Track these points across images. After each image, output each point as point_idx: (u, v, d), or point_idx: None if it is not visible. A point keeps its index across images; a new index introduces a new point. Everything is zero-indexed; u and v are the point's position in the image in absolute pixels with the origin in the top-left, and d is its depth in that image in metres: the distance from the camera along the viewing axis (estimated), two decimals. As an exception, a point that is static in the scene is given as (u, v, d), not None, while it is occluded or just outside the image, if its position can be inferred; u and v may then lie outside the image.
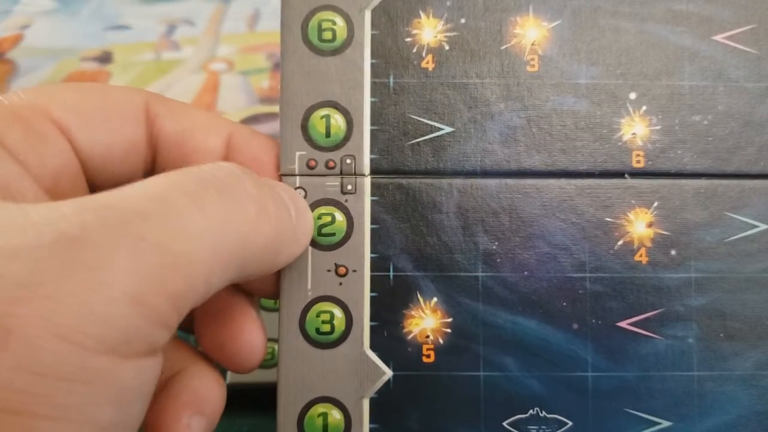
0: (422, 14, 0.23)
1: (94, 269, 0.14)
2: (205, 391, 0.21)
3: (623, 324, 0.23)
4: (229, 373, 0.31)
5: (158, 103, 0.22)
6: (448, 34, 0.23)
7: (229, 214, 0.17)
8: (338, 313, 0.22)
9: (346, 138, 0.23)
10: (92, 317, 0.14)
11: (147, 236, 0.15)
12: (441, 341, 0.23)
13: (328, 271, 0.23)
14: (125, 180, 0.22)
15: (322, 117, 0.23)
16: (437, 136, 0.23)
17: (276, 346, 0.24)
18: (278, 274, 0.23)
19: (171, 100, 0.23)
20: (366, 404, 0.22)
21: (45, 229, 0.14)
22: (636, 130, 0.23)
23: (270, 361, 0.31)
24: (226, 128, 0.23)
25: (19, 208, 0.15)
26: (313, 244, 0.23)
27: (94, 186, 0.22)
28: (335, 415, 0.22)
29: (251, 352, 0.22)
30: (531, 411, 0.22)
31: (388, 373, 0.22)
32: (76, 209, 0.15)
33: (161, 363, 0.17)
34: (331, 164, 0.23)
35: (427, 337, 0.23)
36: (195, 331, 0.22)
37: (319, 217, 0.23)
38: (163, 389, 0.21)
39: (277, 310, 0.23)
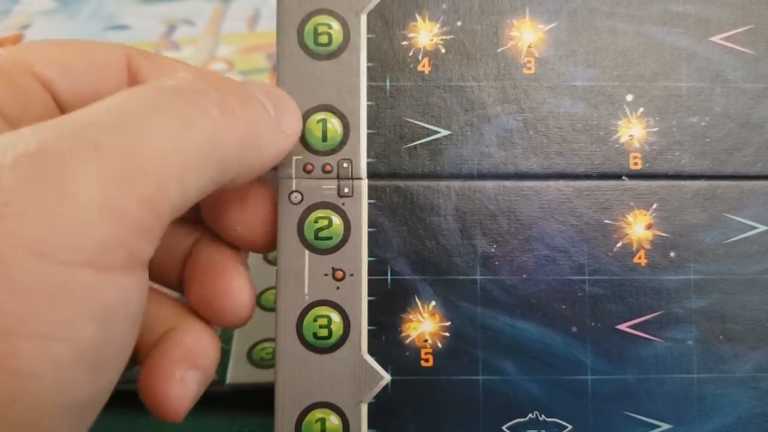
0: (418, 17, 0.23)
1: (57, 181, 0.14)
2: (198, 346, 0.20)
3: (622, 327, 0.22)
4: (228, 374, 0.30)
5: (140, 57, 0.22)
6: (444, 37, 0.23)
7: (190, 116, 0.17)
8: (336, 317, 0.22)
9: (343, 142, 0.22)
10: (64, 229, 0.14)
11: (105, 143, 0.15)
12: (439, 345, 0.22)
13: (325, 275, 0.22)
14: None
15: (318, 121, 0.22)
16: (434, 140, 0.22)
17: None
18: (268, 226, 0.22)
19: (154, 54, 0.22)
20: (364, 409, 0.21)
21: (5, 150, 0.14)
22: (633, 132, 0.23)
23: (270, 361, 0.30)
24: None
25: None
26: (310, 248, 0.22)
27: None
28: (333, 421, 0.21)
29: (238, 308, 0.21)
30: (530, 415, 0.22)
31: (387, 377, 0.22)
32: (35, 129, 0.15)
33: (146, 280, 0.16)
34: (328, 168, 0.22)
35: (426, 341, 0.22)
36: (184, 287, 0.22)
37: (316, 221, 0.22)
38: (156, 346, 0.20)
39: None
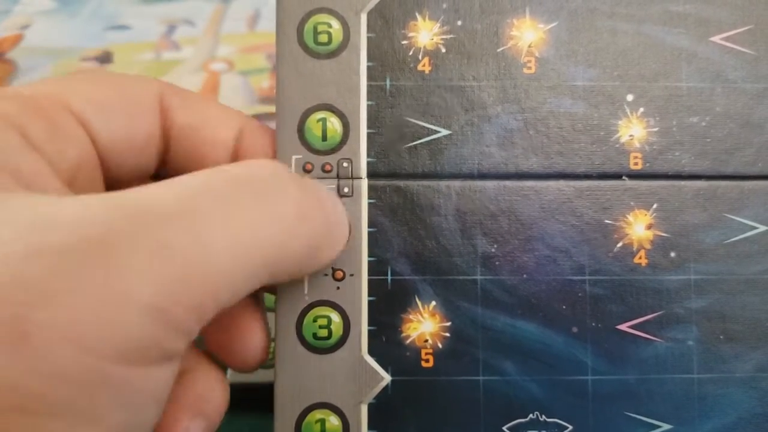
0: (418, 16, 0.22)
1: (114, 276, 0.14)
2: (206, 393, 0.20)
3: (623, 327, 0.22)
4: (229, 373, 0.30)
5: (172, 94, 0.22)
6: (444, 36, 0.22)
7: (264, 220, 0.16)
8: (336, 317, 0.21)
9: (343, 141, 0.22)
10: (109, 326, 0.14)
11: (171, 244, 0.15)
12: (440, 345, 0.21)
13: (325, 275, 0.21)
14: (140, 172, 0.22)
15: (318, 120, 0.22)
16: (434, 139, 0.22)
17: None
18: None
19: (184, 90, 0.22)
20: (364, 410, 0.21)
21: (71, 229, 0.14)
22: (633, 131, 0.22)
23: (271, 361, 0.29)
24: (237, 121, 0.22)
25: (42, 206, 0.15)
26: (310, 248, 0.21)
27: (109, 177, 0.21)
28: (333, 422, 0.21)
29: (253, 353, 0.21)
30: (531, 415, 0.21)
31: (387, 378, 0.21)
32: (105, 208, 0.15)
33: (177, 366, 0.16)
34: (328, 168, 0.22)
35: (426, 341, 0.21)
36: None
37: (316, 221, 0.21)
38: None
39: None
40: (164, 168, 0.22)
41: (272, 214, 0.17)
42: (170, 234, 0.15)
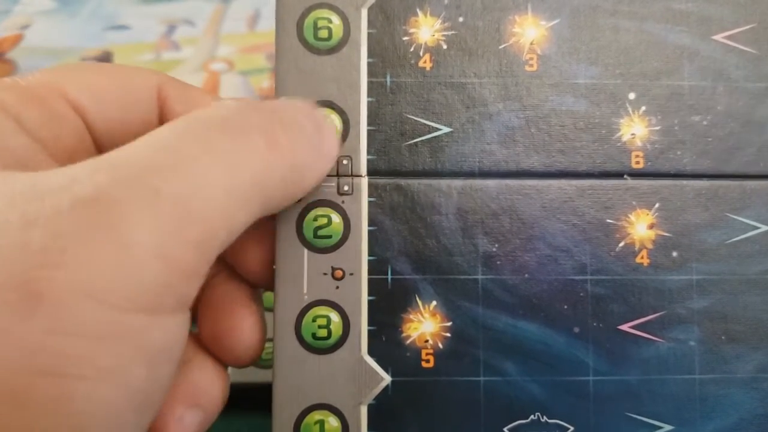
0: (420, 12, 0.22)
1: (115, 228, 0.14)
2: (203, 384, 0.20)
3: (624, 327, 0.21)
4: (229, 372, 0.29)
5: (171, 86, 0.22)
6: (445, 32, 0.22)
7: (240, 153, 0.17)
8: (335, 317, 0.21)
9: (343, 138, 0.21)
10: (122, 276, 0.14)
11: (162, 188, 0.15)
12: (440, 346, 0.21)
13: (325, 274, 0.21)
14: None
15: (318, 117, 0.21)
16: (435, 137, 0.22)
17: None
18: (268, 264, 0.21)
19: (182, 82, 0.22)
20: (364, 411, 0.21)
21: (61, 194, 0.14)
22: (635, 130, 0.22)
23: (270, 361, 0.29)
24: None
25: (32, 177, 0.15)
26: (309, 246, 0.21)
27: None
28: (332, 423, 0.21)
29: (247, 348, 0.21)
30: (532, 416, 0.21)
31: (387, 378, 0.21)
32: (89, 171, 0.15)
33: (189, 319, 0.16)
34: None
35: (426, 341, 0.21)
36: (197, 320, 0.21)
37: (315, 219, 0.21)
38: None
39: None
40: None
41: (245, 146, 0.17)
42: (158, 180, 0.15)
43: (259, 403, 0.27)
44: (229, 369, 0.29)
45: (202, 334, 0.21)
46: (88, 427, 0.14)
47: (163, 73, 0.22)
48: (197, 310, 0.21)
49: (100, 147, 0.20)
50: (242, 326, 0.20)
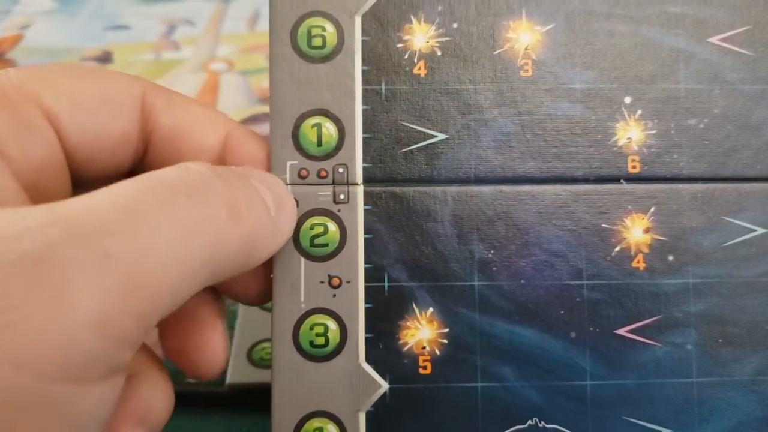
0: (413, 19, 0.21)
1: (56, 291, 0.13)
2: (152, 401, 0.19)
3: (621, 331, 0.21)
4: (228, 373, 0.29)
5: (156, 95, 0.20)
6: (440, 39, 0.21)
7: (199, 220, 0.16)
8: (332, 325, 0.20)
9: (338, 147, 0.21)
10: (53, 344, 0.13)
11: (113, 253, 0.14)
12: (437, 352, 0.21)
13: (322, 282, 0.20)
14: (111, 171, 0.20)
15: (313, 125, 0.21)
16: (430, 144, 0.21)
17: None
18: (263, 282, 0.21)
19: (170, 91, 0.21)
20: (362, 418, 0.20)
21: (9, 246, 0.13)
22: (631, 134, 0.21)
23: (270, 362, 0.29)
24: (223, 126, 0.21)
25: None
26: (306, 255, 0.21)
27: (77, 176, 0.20)
28: (331, 430, 0.20)
29: (211, 364, 0.20)
30: (530, 421, 0.20)
31: (384, 385, 0.20)
32: (43, 223, 0.14)
33: (121, 383, 0.15)
34: (323, 173, 0.21)
35: (424, 348, 0.21)
36: (159, 331, 0.20)
37: (312, 228, 0.21)
38: None
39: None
40: (140, 168, 0.21)
41: (206, 214, 0.16)
42: (110, 242, 0.14)
43: (259, 403, 0.27)
44: (229, 369, 0.29)
45: (165, 346, 0.20)
46: None
47: (147, 80, 0.20)
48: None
49: (71, 160, 0.19)
50: (208, 345, 0.20)
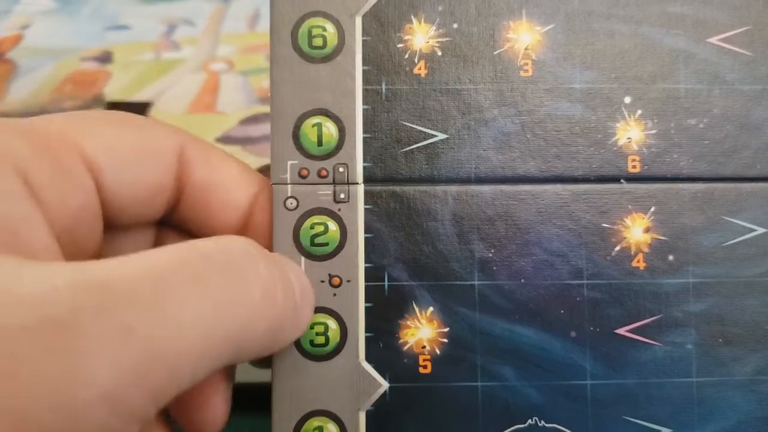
0: (414, 19, 0.21)
1: (73, 361, 0.12)
2: None
3: (621, 331, 0.20)
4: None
5: (194, 149, 0.20)
6: (440, 39, 0.21)
7: (232, 299, 0.15)
8: (333, 324, 0.20)
9: (339, 146, 0.20)
10: (61, 414, 0.12)
11: (136, 328, 0.13)
12: (437, 351, 0.20)
13: (322, 281, 0.20)
14: (144, 219, 0.20)
15: (313, 125, 0.20)
16: (431, 143, 0.21)
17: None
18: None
19: (208, 145, 0.20)
20: (362, 417, 0.20)
21: (33, 310, 0.12)
22: (631, 134, 0.21)
23: (270, 361, 0.28)
24: (254, 184, 0.21)
25: (13, 273, 0.13)
26: (306, 254, 0.20)
27: (109, 222, 0.19)
28: (331, 429, 0.20)
29: (210, 424, 0.19)
30: (530, 421, 0.20)
31: (385, 384, 0.20)
32: (70, 285, 0.13)
33: None
34: (324, 173, 0.20)
35: (424, 347, 0.20)
36: None
37: (312, 227, 0.20)
38: None
39: None
40: (172, 216, 0.21)
41: (240, 295, 0.15)
42: (135, 315, 0.13)
43: (259, 403, 0.26)
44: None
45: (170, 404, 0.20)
46: None
47: (186, 132, 0.20)
48: None
49: (106, 207, 0.19)
50: (209, 404, 0.19)
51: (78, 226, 0.18)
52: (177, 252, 0.15)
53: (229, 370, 0.20)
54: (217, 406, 0.19)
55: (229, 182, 0.20)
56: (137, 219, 0.20)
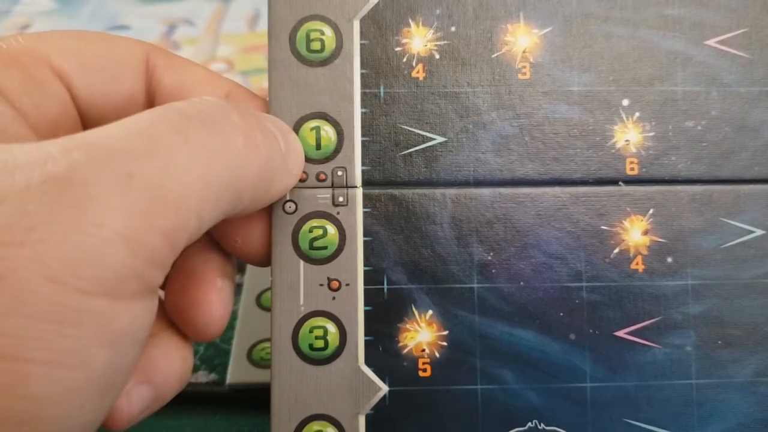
0: (412, 23, 0.20)
1: (84, 209, 0.13)
2: (160, 361, 0.18)
3: (621, 333, 0.20)
4: (228, 374, 0.28)
5: (159, 55, 0.20)
6: (438, 42, 0.21)
7: (217, 146, 0.16)
8: (332, 328, 0.20)
9: (337, 150, 0.20)
10: (85, 258, 0.13)
11: (135, 172, 0.14)
12: (437, 355, 0.20)
13: (321, 285, 0.20)
14: None
15: (312, 129, 0.20)
16: (429, 147, 0.20)
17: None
18: (267, 238, 0.20)
19: (172, 53, 0.21)
20: (362, 421, 0.20)
21: (32, 170, 0.13)
22: (629, 136, 0.21)
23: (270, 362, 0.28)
24: (224, 86, 0.21)
25: (5, 149, 0.14)
26: (305, 258, 0.20)
27: None
28: None
29: (207, 323, 0.19)
30: (529, 423, 0.20)
31: (384, 388, 0.20)
32: (63, 148, 0.14)
33: (156, 303, 0.15)
34: (322, 176, 0.20)
35: (423, 350, 0.20)
36: (165, 288, 0.20)
37: (311, 231, 0.20)
38: None
39: None
40: None
41: (223, 141, 0.16)
42: (132, 163, 0.14)
43: (259, 403, 0.26)
44: (229, 369, 0.29)
45: (166, 303, 0.19)
46: (45, 410, 0.13)
47: (150, 43, 0.20)
48: (167, 278, 0.20)
49: (84, 118, 0.19)
50: (204, 300, 0.19)
51: (59, 136, 0.18)
52: (155, 111, 0.16)
53: (224, 267, 0.20)
54: (214, 303, 0.19)
55: (198, 84, 0.20)
56: None
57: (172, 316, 0.19)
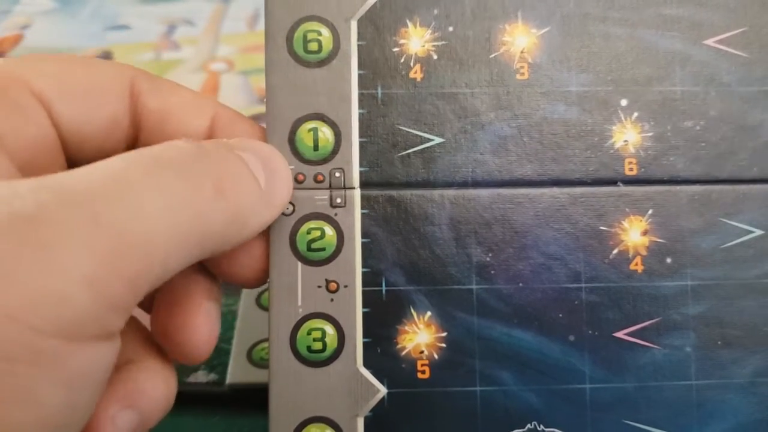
0: (409, 23, 0.20)
1: (48, 250, 0.13)
2: (144, 386, 0.18)
3: (620, 334, 0.20)
4: (228, 374, 0.28)
5: (144, 80, 0.20)
6: (435, 43, 0.20)
7: (186, 194, 0.15)
8: (330, 330, 0.19)
9: (335, 151, 0.20)
10: (45, 298, 0.13)
11: (103, 216, 0.13)
12: (436, 356, 0.19)
13: (319, 287, 0.19)
14: (105, 155, 0.20)
15: (309, 130, 0.20)
16: (427, 147, 0.20)
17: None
18: (259, 263, 0.20)
19: (157, 77, 0.20)
20: (360, 423, 0.19)
21: (1, 208, 0.13)
22: (628, 137, 0.20)
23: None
24: (210, 109, 0.20)
25: None
26: (303, 259, 0.19)
27: (74, 162, 0.19)
28: None
29: (194, 347, 0.19)
30: (529, 425, 0.19)
31: (383, 390, 0.19)
32: (33, 188, 0.13)
33: (117, 347, 0.15)
34: (320, 178, 0.19)
35: (422, 352, 0.19)
36: (152, 312, 0.19)
37: (309, 232, 0.19)
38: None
39: None
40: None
41: (192, 188, 0.16)
42: (99, 206, 0.14)
43: (259, 403, 0.25)
44: (229, 369, 0.28)
45: (153, 326, 0.19)
46: None
47: (135, 67, 0.20)
48: (153, 300, 0.19)
49: (66, 143, 0.19)
50: (191, 325, 0.18)
51: (39, 160, 0.18)
52: (127, 156, 0.15)
53: (210, 290, 0.19)
54: (201, 327, 0.19)
55: (183, 109, 0.20)
56: (98, 154, 0.19)
57: (158, 339, 0.19)
